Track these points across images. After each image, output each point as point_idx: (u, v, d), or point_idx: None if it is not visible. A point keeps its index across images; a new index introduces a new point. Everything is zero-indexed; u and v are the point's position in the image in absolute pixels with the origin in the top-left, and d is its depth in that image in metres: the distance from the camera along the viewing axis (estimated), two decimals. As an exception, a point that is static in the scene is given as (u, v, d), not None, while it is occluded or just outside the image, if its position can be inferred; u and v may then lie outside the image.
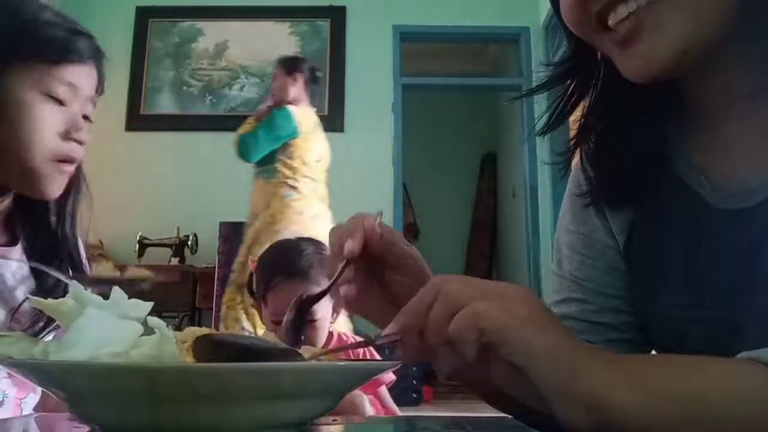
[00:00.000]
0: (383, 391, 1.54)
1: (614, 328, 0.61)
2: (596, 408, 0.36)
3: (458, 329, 0.38)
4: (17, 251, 0.83)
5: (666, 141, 0.57)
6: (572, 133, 0.63)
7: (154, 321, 0.42)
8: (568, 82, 0.60)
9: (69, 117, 0.79)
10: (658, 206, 0.57)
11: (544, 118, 0.61)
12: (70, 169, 0.80)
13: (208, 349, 0.39)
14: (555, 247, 0.69)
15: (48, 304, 0.44)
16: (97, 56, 0.83)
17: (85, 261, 0.89)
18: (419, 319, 0.40)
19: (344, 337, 1.53)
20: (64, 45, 0.78)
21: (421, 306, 0.40)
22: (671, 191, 0.56)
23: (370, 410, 1.30)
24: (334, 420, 0.56)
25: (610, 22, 0.49)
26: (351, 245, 0.53)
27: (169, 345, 0.39)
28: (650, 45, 0.46)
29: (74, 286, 0.44)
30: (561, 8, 0.53)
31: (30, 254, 0.83)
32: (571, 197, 0.65)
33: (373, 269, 0.57)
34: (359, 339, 1.55)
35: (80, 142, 0.80)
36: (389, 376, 1.55)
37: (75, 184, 0.87)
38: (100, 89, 0.86)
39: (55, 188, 0.79)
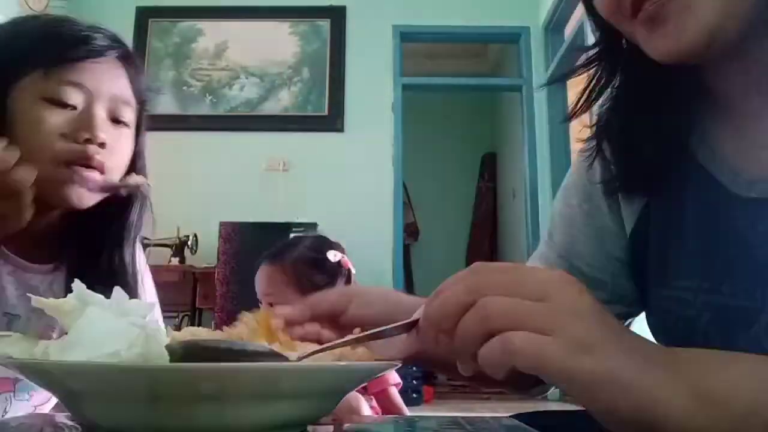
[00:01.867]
0: (393, 391, 1.54)
1: None
2: (647, 422, 0.35)
3: (488, 361, 0.36)
4: (46, 269, 0.81)
5: (688, 127, 0.57)
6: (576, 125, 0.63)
7: (138, 321, 0.42)
8: (596, 67, 0.59)
9: (77, 117, 0.74)
10: (677, 191, 0.56)
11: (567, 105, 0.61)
12: (91, 174, 0.74)
13: (194, 354, 0.39)
14: (550, 216, 0.69)
15: (50, 303, 0.44)
16: (118, 53, 0.78)
17: (140, 287, 0.85)
18: (447, 320, 0.37)
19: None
20: (59, 46, 0.74)
21: (452, 305, 0.37)
22: (691, 177, 0.55)
23: (367, 411, 1.30)
24: (334, 420, 0.56)
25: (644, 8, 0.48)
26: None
27: (155, 345, 0.38)
28: (680, 24, 0.46)
29: (77, 285, 0.44)
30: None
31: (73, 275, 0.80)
32: (578, 173, 0.65)
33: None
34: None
35: (100, 144, 0.74)
36: (395, 378, 1.54)
37: (131, 204, 0.83)
38: (137, 88, 0.81)
39: (75, 194, 0.74)
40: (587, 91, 0.60)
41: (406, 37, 4.49)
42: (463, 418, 0.56)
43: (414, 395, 3.67)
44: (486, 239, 5.96)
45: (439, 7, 4.42)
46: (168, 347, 0.38)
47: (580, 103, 0.60)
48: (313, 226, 3.72)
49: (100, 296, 0.44)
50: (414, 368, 3.68)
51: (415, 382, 3.70)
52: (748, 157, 0.52)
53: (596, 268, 0.63)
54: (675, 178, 0.56)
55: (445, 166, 6.03)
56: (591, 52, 0.59)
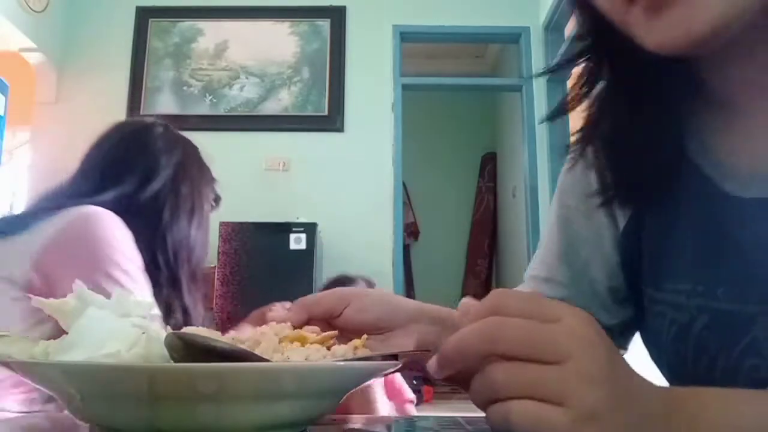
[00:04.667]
0: (409, 406, 1.54)
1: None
2: None
3: (492, 424, 0.36)
4: None
5: (681, 124, 0.54)
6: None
7: (139, 321, 0.42)
8: (588, 60, 0.56)
9: None
10: (671, 191, 0.55)
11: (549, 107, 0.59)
12: None
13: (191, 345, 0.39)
14: (548, 218, 0.67)
15: (50, 303, 0.44)
16: None
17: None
18: (462, 364, 0.37)
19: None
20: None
21: (468, 352, 0.37)
22: (685, 176, 0.54)
23: (384, 404, 1.30)
24: (334, 420, 0.56)
25: None
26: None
27: (156, 345, 0.38)
28: (688, 11, 0.42)
29: (77, 285, 0.44)
30: None
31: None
32: (573, 173, 0.64)
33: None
34: None
35: None
36: (411, 394, 1.55)
37: None
38: None
39: None
40: (578, 86, 0.57)
41: (406, 37, 4.49)
42: (463, 418, 0.56)
43: (414, 395, 3.67)
44: (486, 239, 5.96)
45: (439, 7, 4.42)
46: (166, 338, 0.38)
47: (570, 98, 0.57)
48: (313, 226, 3.72)
49: (101, 296, 0.44)
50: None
51: (415, 382, 3.70)
52: (743, 156, 0.51)
53: (595, 269, 0.62)
54: (668, 176, 0.54)
55: (445, 166, 6.03)
56: (582, 44, 0.55)
